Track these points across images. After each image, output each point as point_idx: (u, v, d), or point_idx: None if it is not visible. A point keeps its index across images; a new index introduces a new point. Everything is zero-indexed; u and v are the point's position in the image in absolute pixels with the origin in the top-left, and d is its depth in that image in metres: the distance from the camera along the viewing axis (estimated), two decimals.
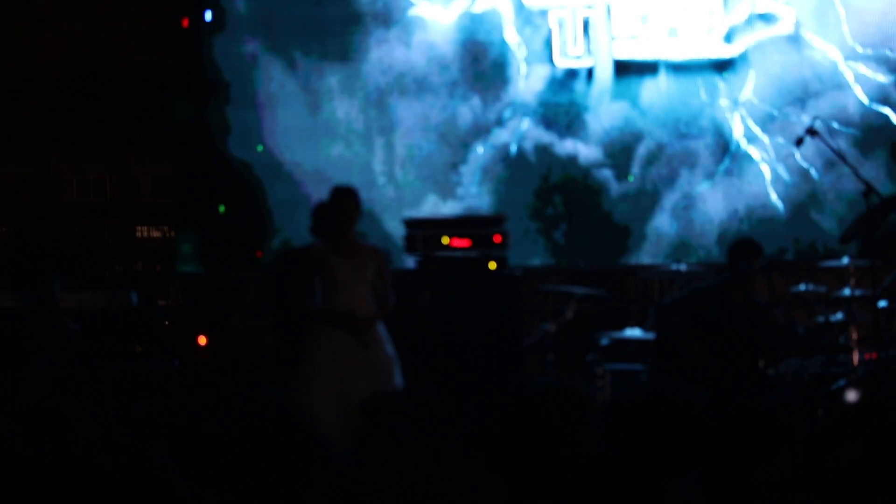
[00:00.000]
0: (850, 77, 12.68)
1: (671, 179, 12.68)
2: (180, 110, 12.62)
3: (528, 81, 12.64)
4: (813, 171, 12.62)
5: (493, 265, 10.89)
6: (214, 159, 12.55)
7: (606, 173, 12.67)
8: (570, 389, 3.98)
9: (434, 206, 12.49)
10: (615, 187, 12.67)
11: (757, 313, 10.24)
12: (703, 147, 12.68)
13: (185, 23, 12.65)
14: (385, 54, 12.61)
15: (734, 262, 10.12)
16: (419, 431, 3.56)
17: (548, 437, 3.86)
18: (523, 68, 12.66)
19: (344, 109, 12.58)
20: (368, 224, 11.73)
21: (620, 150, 12.68)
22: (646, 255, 12.60)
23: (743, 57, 12.68)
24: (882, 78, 12.68)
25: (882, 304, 10.54)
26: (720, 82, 12.69)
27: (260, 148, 12.57)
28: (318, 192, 11.18)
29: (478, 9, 12.65)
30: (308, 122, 12.59)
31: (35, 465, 3.68)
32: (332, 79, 12.59)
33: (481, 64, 12.66)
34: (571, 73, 12.67)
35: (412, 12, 12.65)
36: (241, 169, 12.53)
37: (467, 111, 12.63)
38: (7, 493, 3.58)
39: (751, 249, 10.18)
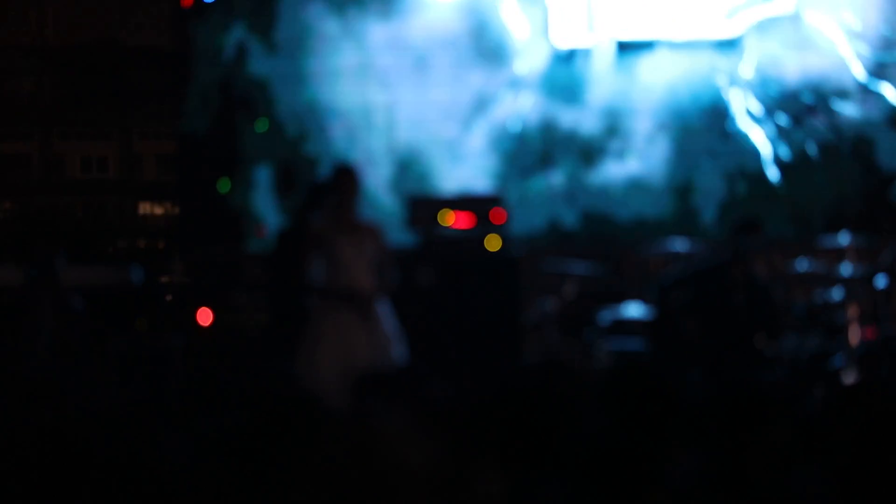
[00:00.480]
0: (850, 55, 12.67)
1: (672, 157, 12.68)
2: (183, 88, 12.62)
3: (529, 59, 12.64)
4: (813, 149, 12.62)
5: (493, 244, 10.90)
6: (217, 137, 12.54)
7: (607, 150, 12.66)
8: (561, 365, 3.99)
9: (436, 184, 12.50)
10: (616, 165, 12.68)
11: (758, 292, 10.28)
12: (703, 125, 12.68)
13: (189, 2, 12.64)
14: (387, 31, 12.60)
15: (735, 241, 10.17)
16: (404, 410, 3.57)
17: (540, 414, 3.87)
18: (525, 46, 12.65)
19: (345, 87, 12.57)
20: (369, 201, 11.75)
21: (621, 127, 12.67)
22: (646, 233, 12.60)
23: (744, 36, 12.67)
24: (882, 56, 12.68)
25: (881, 282, 10.55)
26: (721, 61, 12.68)
27: (263, 127, 12.57)
28: (320, 170, 11.19)
29: None
30: (309, 100, 12.59)
31: (28, 441, 3.69)
32: (334, 56, 12.58)
33: (483, 41, 12.65)
34: (573, 51, 12.67)
35: None
36: (243, 146, 12.53)
37: (469, 88, 12.62)
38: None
39: (751, 228, 10.23)
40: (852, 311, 10.73)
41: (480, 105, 12.64)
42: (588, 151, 12.67)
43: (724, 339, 10.06)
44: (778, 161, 12.65)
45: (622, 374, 4.24)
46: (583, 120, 12.65)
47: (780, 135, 12.62)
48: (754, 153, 12.67)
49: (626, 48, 12.67)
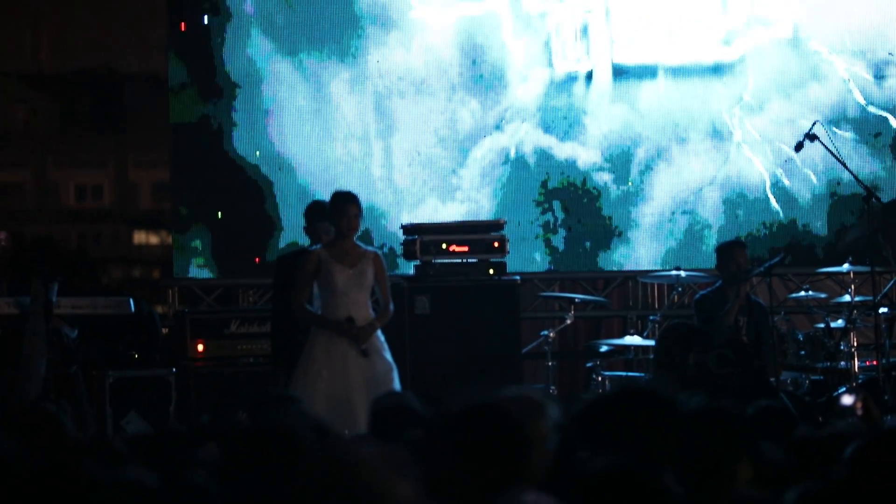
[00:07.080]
0: (849, 80, 12.63)
1: (670, 184, 12.62)
2: (180, 113, 12.53)
3: (526, 85, 12.59)
4: (813, 176, 12.57)
5: (491, 271, 10.87)
6: (216, 162, 12.43)
7: (605, 177, 12.61)
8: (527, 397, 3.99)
9: (433, 211, 12.43)
10: (614, 191, 12.62)
11: (758, 315, 10.31)
12: (702, 151, 12.63)
13: (182, 27, 12.56)
14: (384, 57, 12.54)
15: (724, 266, 10.30)
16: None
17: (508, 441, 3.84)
18: (522, 72, 12.60)
19: (343, 112, 12.50)
20: (366, 228, 11.68)
21: (619, 154, 12.62)
22: (645, 261, 12.54)
23: (742, 60, 12.63)
24: (882, 80, 12.65)
25: (883, 310, 10.53)
26: (719, 86, 12.64)
27: (258, 153, 12.47)
28: (319, 195, 11.12)
29: (477, 12, 12.59)
30: (308, 125, 12.50)
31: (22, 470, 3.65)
32: (332, 81, 12.50)
33: (480, 67, 12.60)
34: (570, 77, 12.62)
35: (411, 15, 12.58)
36: (245, 171, 12.42)
37: (466, 115, 12.57)
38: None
39: (734, 245, 10.39)
40: (854, 339, 10.70)
41: (479, 129, 12.56)
42: (586, 175, 12.59)
43: (725, 362, 10.05)
44: (777, 187, 12.59)
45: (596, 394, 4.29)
46: (581, 144, 12.58)
47: (779, 160, 12.55)
48: (754, 178, 12.60)
49: (623, 72, 12.62)
